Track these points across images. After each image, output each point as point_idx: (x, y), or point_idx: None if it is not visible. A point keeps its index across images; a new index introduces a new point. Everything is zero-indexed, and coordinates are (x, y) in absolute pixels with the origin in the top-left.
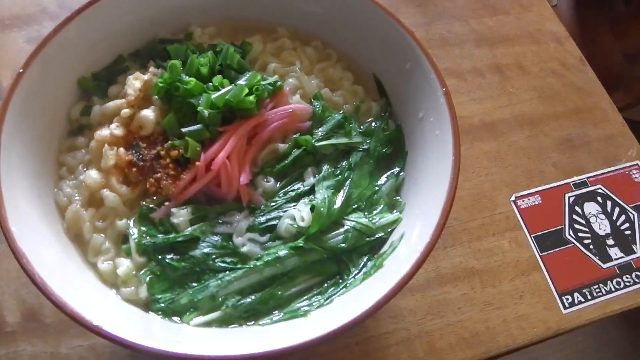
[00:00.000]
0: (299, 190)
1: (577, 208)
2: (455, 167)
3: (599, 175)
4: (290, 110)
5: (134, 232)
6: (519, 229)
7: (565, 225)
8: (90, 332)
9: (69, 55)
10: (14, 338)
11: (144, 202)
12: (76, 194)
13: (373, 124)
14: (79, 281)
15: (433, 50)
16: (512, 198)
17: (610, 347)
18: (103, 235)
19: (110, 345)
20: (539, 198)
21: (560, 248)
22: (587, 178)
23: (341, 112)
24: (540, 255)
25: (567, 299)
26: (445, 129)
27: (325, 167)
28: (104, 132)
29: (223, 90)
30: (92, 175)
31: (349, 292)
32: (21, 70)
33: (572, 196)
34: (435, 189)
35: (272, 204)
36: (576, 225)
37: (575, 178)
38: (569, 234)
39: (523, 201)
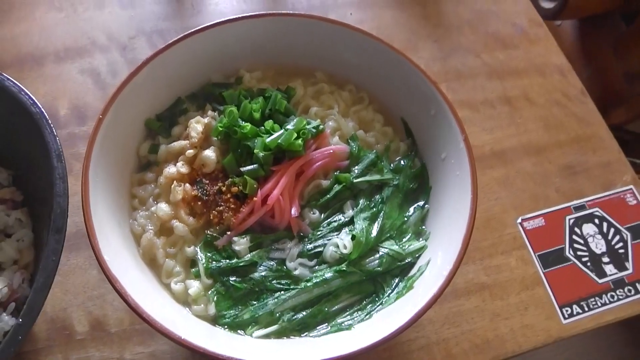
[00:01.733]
0: (340, 221)
1: (576, 229)
2: (473, 204)
3: (596, 199)
4: (332, 150)
5: (201, 257)
6: (525, 248)
7: (566, 244)
8: (172, 341)
9: (138, 99)
10: (83, 345)
11: (208, 231)
12: (149, 224)
13: (401, 162)
14: (158, 299)
15: (449, 83)
16: (519, 220)
17: (609, 347)
18: (174, 260)
19: (169, 352)
20: (543, 220)
21: (561, 265)
22: (586, 202)
23: (374, 151)
24: (543, 272)
25: (567, 311)
26: (465, 170)
27: (362, 201)
28: (171, 170)
29: (275, 135)
30: (163, 208)
31: (385, 308)
32: (100, 116)
33: (572, 218)
34: (456, 221)
35: (318, 233)
36: (575, 245)
37: (575, 202)
38: (569, 253)
39: (529, 223)
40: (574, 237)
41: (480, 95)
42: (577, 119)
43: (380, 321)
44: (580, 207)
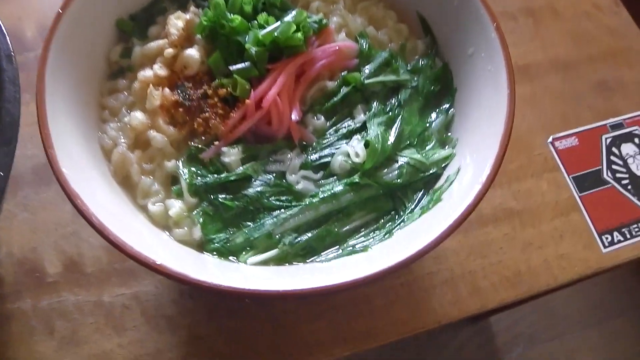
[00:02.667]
0: (350, 127)
1: (614, 149)
2: (511, 100)
3: (635, 116)
4: (337, 47)
5: (184, 172)
6: (557, 170)
7: (603, 166)
8: (152, 271)
9: None
10: (56, 288)
11: (192, 143)
12: (121, 137)
13: (420, 61)
14: (131, 223)
15: None
16: (550, 140)
17: (625, 297)
18: (151, 177)
19: (154, 293)
20: (576, 139)
21: (598, 188)
22: (623, 120)
23: (387, 50)
24: (579, 196)
25: (606, 238)
26: (499, 63)
27: (375, 104)
28: (147, 73)
29: (270, 27)
30: (138, 116)
31: (407, 226)
32: (60, 11)
33: (608, 137)
34: (490, 123)
35: (324, 141)
36: (614, 166)
37: (611, 120)
38: (607, 175)
39: (560, 142)
40: (612, 157)
41: (499, 6)
42: (610, 31)
43: (403, 240)
44: (618, 126)
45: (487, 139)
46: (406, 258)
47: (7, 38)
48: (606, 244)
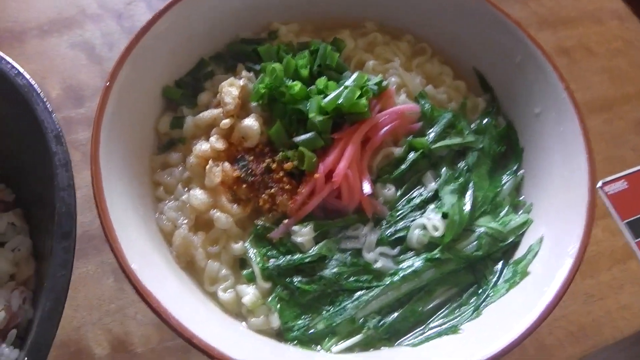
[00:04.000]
0: (423, 197)
1: None
2: (592, 164)
3: None
4: (401, 111)
5: (254, 255)
6: (609, 216)
7: None
8: None
9: (151, 63)
10: None
11: (259, 221)
12: (181, 217)
13: (483, 120)
14: (205, 313)
15: None
16: (599, 185)
17: None
18: (218, 261)
19: None
20: (626, 183)
21: None
22: None
23: (449, 110)
24: (635, 242)
25: None
26: (572, 124)
27: (444, 170)
28: (204, 147)
29: (333, 94)
30: (198, 195)
31: (495, 302)
32: (107, 83)
33: None
34: (568, 189)
35: (397, 213)
36: None
37: None
38: None
39: (610, 187)
40: None
41: None
42: None
43: (495, 319)
44: None
45: (568, 206)
46: (509, 344)
47: (54, 116)
48: None
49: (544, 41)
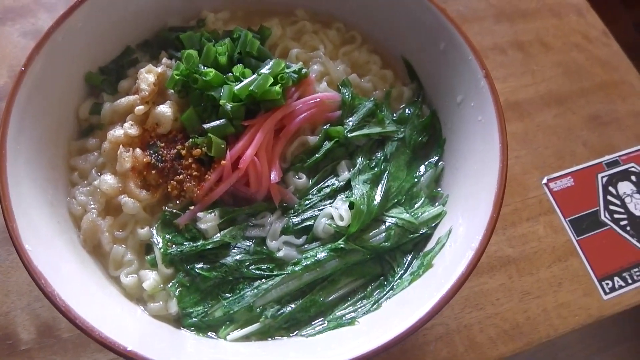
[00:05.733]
0: (334, 186)
1: (610, 188)
2: (504, 155)
3: (631, 152)
4: (319, 99)
5: (158, 240)
6: (553, 213)
7: (600, 207)
8: (123, 358)
9: (74, 48)
10: (30, 355)
11: (166, 207)
12: (91, 202)
13: (406, 110)
14: (102, 298)
15: None
16: (544, 181)
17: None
18: (124, 245)
19: None
20: (572, 180)
21: (596, 231)
22: (619, 157)
23: (372, 99)
24: (576, 240)
25: (607, 284)
26: (489, 114)
27: (359, 160)
28: (117, 132)
29: (246, 81)
30: (108, 180)
31: (397, 294)
32: (23, 68)
33: (604, 176)
34: (481, 179)
35: (307, 202)
36: (611, 207)
37: (606, 157)
38: (605, 216)
39: (555, 183)
40: (609, 197)
41: (489, 41)
42: (601, 63)
43: (392, 312)
44: (613, 163)
45: (479, 198)
46: (395, 337)
47: None
48: (607, 290)
49: (501, 34)
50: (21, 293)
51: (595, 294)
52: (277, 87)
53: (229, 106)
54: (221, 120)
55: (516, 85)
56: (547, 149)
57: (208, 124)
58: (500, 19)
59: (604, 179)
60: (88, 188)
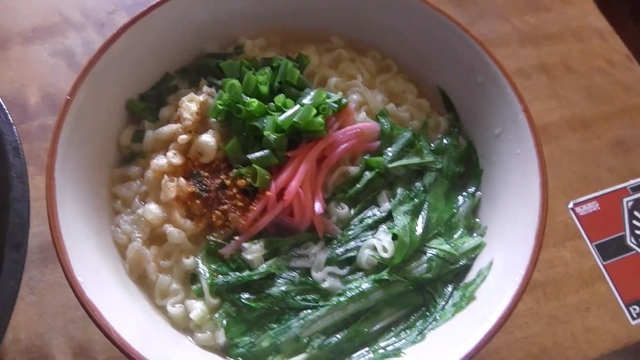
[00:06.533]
0: (376, 217)
1: (636, 213)
2: (544, 190)
3: None
4: (359, 130)
5: (204, 270)
6: (579, 238)
7: (626, 231)
8: None
9: (115, 76)
10: None
11: (211, 237)
12: (136, 231)
13: (443, 140)
14: (150, 329)
15: None
16: (570, 205)
17: None
18: (169, 275)
19: None
20: (597, 204)
21: (623, 256)
22: None
23: (409, 129)
24: (603, 264)
25: (634, 309)
26: (528, 148)
27: (399, 190)
28: (161, 162)
29: (289, 112)
30: (153, 209)
31: (440, 326)
32: (68, 97)
33: (630, 200)
34: (520, 213)
35: (349, 233)
36: (637, 231)
37: (631, 181)
38: (631, 241)
39: (581, 208)
40: (635, 222)
41: (514, 64)
42: (625, 87)
43: (438, 343)
44: (638, 187)
45: (519, 231)
46: None
47: (14, 128)
48: (634, 316)
49: (525, 58)
50: (56, 314)
51: (623, 319)
52: (319, 118)
53: (272, 137)
54: (265, 151)
55: (541, 109)
56: (573, 173)
57: (252, 155)
58: (525, 43)
59: (630, 204)
60: (132, 217)
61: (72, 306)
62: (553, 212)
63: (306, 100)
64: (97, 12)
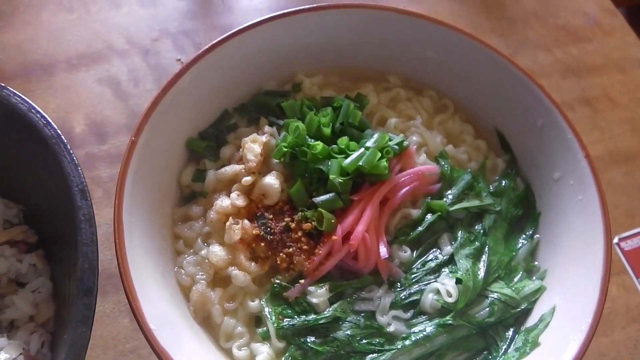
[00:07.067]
0: (438, 261)
1: None
2: (607, 237)
3: None
4: (421, 172)
5: (269, 313)
6: (625, 273)
7: None
8: None
9: (175, 115)
10: None
11: (276, 280)
12: (199, 272)
13: (502, 182)
14: None
15: None
16: (615, 240)
17: None
18: (234, 318)
19: None
20: None
21: None
22: None
23: (468, 170)
24: None
25: None
26: (591, 195)
27: (460, 233)
28: (224, 203)
29: (354, 156)
30: (217, 252)
31: None
32: (133, 138)
33: None
34: (582, 258)
35: (412, 276)
36: None
37: None
38: None
39: (626, 243)
40: None
41: (557, 96)
42: None
43: None
44: None
45: (582, 276)
46: None
47: (80, 170)
48: None
49: (568, 90)
50: (106, 347)
51: None
52: (384, 162)
53: (338, 181)
54: (330, 195)
55: (585, 142)
56: (617, 207)
57: (318, 199)
58: (568, 75)
59: None
60: (195, 258)
61: (122, 338)
62: None
63: (370, 143)
64: (141, 39)
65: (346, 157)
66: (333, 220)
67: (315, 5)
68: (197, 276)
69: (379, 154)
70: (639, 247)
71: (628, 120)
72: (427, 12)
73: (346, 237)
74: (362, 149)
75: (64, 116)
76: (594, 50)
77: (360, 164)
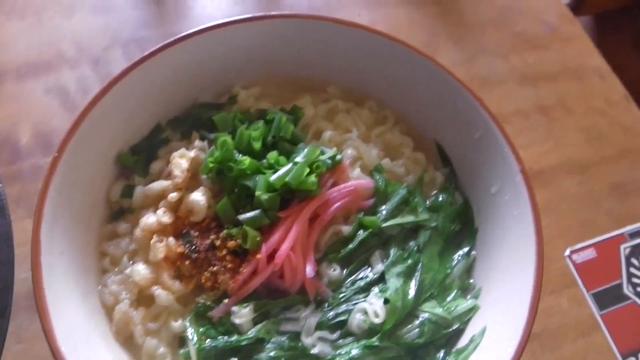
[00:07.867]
0: (368, 279)
1: (633, 260)
2: (539, 254)
3: None
4: (353, 187)
5: (192, 334)
6: (576, 286)
7: (623, 279)
8: None
9: (106, 128)
10: None
11: (200, 299)
12: (123, 291)
13: (439, 197)
14: None
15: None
16: (567, 253)
17: None
18: (156, 338)
19: None
20: (594, 251)
21: (619, 305)
22: None
23: (405, 185)
24: (599, 314)
25: None
26: (525, 211)
27: (393, 251)
28: (150, 220)
29: (282, 171)
30: (141, 271)
31: None
32: (56, 154)
33: (627, 247)
34: (516, 275)
35: (341, 296)
36: (634, 279)
37: (629, 227)
38: (628, 289)
39: (578, 255)
40: (632, 269)
41: (512, 105)
42: (623, 128)
43: None
44: (636, 234)
45: (513, 297)
46: None
47: (0, 185)
48: None
49: (524, 98)
50: None
51: None
52: (313, 177)
53: (264, 197)
54: (256, 212)
55: (540, 151)
56: (571, 218)
57: (243, 216)
58: (523, 82)
59: (627, 250)
60: (120, 276)
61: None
62: (550, 259)
63: (299, 158)
64: (92, 47)
65: (275, 173)
66: (258, 238)
67: (250, 15)
68: (121, 295)
69: (308, 169)
70: (590, 259)
71: (583, 129)
72: (383, 18)
73: (272, 256)
74: (291, 164)
75: (10, 127)
76: (551, 59)
77: (287, 179)
